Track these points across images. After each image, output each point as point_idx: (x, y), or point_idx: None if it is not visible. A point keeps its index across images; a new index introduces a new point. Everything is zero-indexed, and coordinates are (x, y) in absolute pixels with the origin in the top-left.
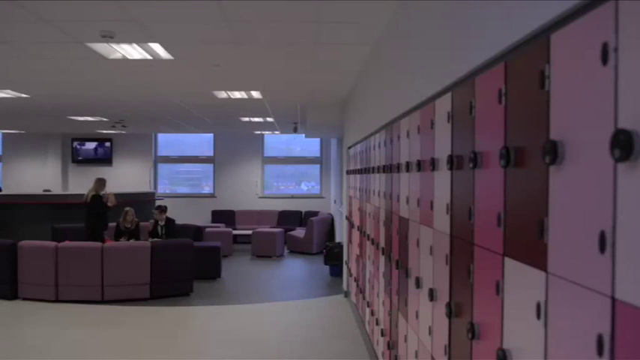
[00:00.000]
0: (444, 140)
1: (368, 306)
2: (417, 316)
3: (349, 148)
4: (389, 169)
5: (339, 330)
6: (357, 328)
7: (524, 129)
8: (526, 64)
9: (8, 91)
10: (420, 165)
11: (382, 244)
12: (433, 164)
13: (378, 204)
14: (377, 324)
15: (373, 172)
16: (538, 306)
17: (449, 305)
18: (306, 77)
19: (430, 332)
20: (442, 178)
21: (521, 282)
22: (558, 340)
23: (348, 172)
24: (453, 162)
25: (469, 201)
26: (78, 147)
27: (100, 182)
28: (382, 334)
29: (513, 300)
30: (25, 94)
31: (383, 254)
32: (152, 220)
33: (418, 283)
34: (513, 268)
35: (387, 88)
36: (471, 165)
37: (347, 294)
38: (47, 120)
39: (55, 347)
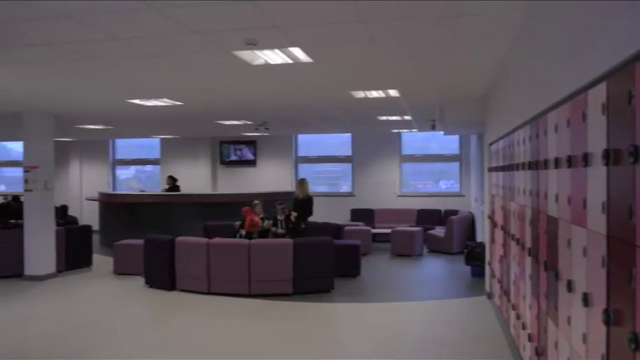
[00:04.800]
0: (598, 134)
1: (513, 309)
2: (568, 322)
3: (490, 144)
4: (535, 165)
5: (481, 332)
6: (500, 331)
7: None
8: None
9: (165, 99)
10: (570, 161)
11: (528, 244)
12: (585, 159)
13: (523, 202)
14: (523, 328)
15: (517, 169)
16: None
17: (606, 312)
18: (444, 73)
19: (584, 340)
20: (596, 174)
21: None
22: None
23: (490, 170)
24: (610, 157)
25: (629, 199)
26: (225, 149)
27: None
28: (529, 339)
29: None
30: (180, 101)
31: (529, 255)
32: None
33: (570, 287)
34: None
35: (531, 80)
36: (632, 159)
37: (490, 296)
38: (198, 125)
39: (205, 335)
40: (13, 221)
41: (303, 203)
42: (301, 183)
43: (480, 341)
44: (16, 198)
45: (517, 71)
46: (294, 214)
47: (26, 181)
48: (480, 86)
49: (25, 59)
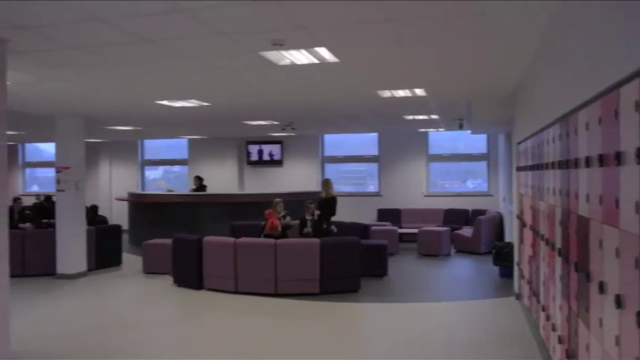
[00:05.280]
0: (632, 132)
1: (543, 310)
2: (600, 324)
3: (519, 143)
4: (565, 164)
5: (509, 333)
6: (529, 332)
7: None
8: None
9: (193, 100)
10: (602, 159)
11: (558, 244)
12: (618, 158)
13: (552, 202)
14: (553, 329)
15: (547, 169)
16: None
17: None
18: (471, 72)
19: (617, 343)
20: (629, 173)
21: None
22: None
23: (519, 169)
24: None
25: None
26: (252, 149)
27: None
28: (559, 341)
29: None
30: (207, 102)
31: (559, 255)
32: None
33: (601, 288)
34: None
35: (560, 78)
36: None
37: (518, 296)
38: (225, 125)
39: (232, 334)
40: (45, 221)
41: (326, 203)
42: (325, 183)
43: (508, 342)
44: (48, 198)
45: (546, 69)
46: (316, 213)
47: (58, 182)
48: (508, 84)
49: (58, 62)
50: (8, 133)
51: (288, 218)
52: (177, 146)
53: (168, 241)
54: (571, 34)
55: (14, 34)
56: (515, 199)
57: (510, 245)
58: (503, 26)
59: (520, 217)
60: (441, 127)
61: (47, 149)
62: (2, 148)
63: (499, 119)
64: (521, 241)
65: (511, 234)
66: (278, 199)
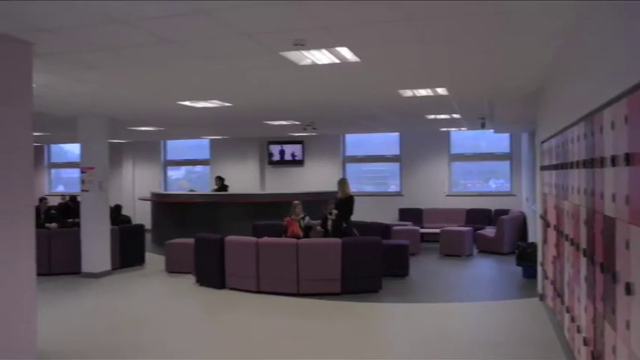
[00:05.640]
0: None
1: (567, 311)
2: (627, 326)
3: (542, 142)
4: (590, 163)
5: (532, 335)
6: (553, 334)
7: None
8: None
9: (215, 101)
10: (628, 158)
11: (583, 245)
12: None
13: (577, 202)
14: (578, 331)
15: (571, 168)
16: None
17: None
18: (493, 71)
19: None
20: None
21: None
22: None
23: (542, 168)
24: None
25: None
26: (273, 149)
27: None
28: (585, 343)
29: None
30: (229, 102)
31: (584, 256)
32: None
33: (628, 290)
34: None
35: (585, 76)
36: None
37: (542, 297)
38: (246, 125)
39: (254, 333)
40: (70, 220)
41: (343, 203)
42: (341, 183)
43: (532, 344)
44: (73, 198)
45: (570, 67)
46: (334, 212)
47: (83, 182)
48: (531, 83)
49: (81, 64)
50: (34, 134)
51: (307, 219)
52: (199, 146)
53: (191, 240)
54: (595, 32)
55: (38, 36)
56: (538, 199)
57: (534, 245)
58: (525, 25)
59: (544, 217)
60: (463, 127)
61: (72, 150)
62: (29, 149)
63: (522, 118)
64: (544, 241)
65: (534, 234)
66: (297, 202)
